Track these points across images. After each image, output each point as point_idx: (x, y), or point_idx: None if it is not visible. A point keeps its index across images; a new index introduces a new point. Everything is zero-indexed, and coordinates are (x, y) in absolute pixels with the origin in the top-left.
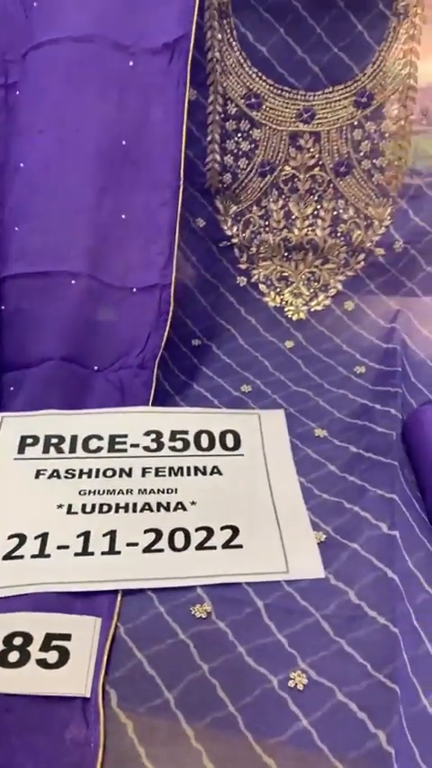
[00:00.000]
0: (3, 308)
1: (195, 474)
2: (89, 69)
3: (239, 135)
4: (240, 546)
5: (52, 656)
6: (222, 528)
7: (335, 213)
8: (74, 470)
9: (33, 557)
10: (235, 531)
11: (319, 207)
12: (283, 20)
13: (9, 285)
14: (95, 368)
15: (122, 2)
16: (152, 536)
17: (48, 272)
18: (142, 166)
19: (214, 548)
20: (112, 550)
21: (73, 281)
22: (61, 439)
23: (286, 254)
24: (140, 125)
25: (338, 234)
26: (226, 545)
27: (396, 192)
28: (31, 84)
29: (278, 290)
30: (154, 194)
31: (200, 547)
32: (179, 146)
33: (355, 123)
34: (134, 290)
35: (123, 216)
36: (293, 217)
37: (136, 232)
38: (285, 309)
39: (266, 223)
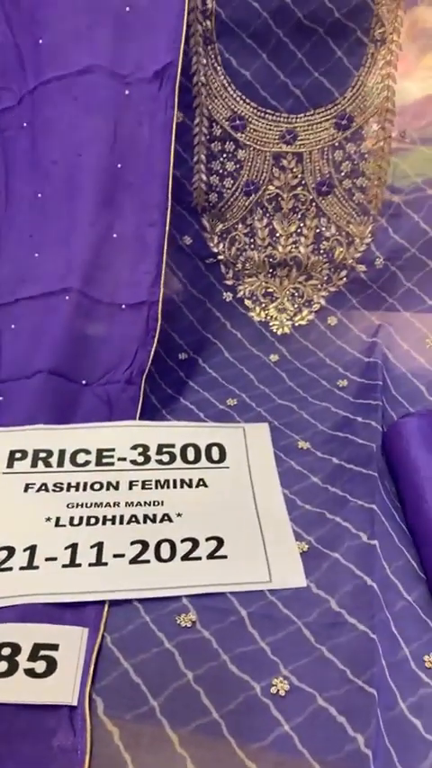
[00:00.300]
0: (13, 326)
1: (181, 486)
2: (91, 99)
3: (225, 156)
4: (225, 556)
5: (40, 666)
6: (207, 539)
7: (317, 231)
8: (62, 484)
9: (22, 568)
10: (220, 541)
11: (302, 225)
12: (266, 46)
13: (23, 306)
14: (83, 382)
15: (118, 34)
16: (138, 547)
17: (53, 291)
18: (134, 188)
19: (199, 558)
20: (99, 562)
21: (67, 297)
22: (50, 453)
23: (271, 270)
24: (134, 149)
25: (321, 251)
26: (211, 555)
27: (376, 211)
28: (44, 118)
29: (263, 305)
30: (144, 214)
31: (185, 557)
32: (167, 167)
33: (336, 144)
34: (123, 306)
35: (115, 235)
36: (277, 234)
37: (126, 250)
38: (270, 324)
39: (252, 240)
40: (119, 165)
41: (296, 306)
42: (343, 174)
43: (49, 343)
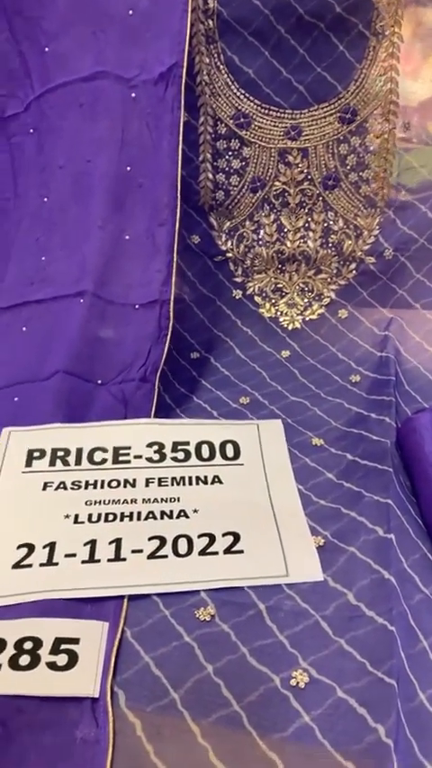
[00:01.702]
0: (24, 329)
1: (197, 483)
2: (98, 105)
3: (230, 153)
4: (242, 551)
5: (62, 659)
6: (224, 534)
7: (325, 225)
8: (80, 482)
9: (42, 565)
10: (236, 537)
11: (309, 219)
12: (268, 43)
13: (32, 309)
14: (99, 381)
15: (122, 38)
16: (156, 543)
17: (67, 294)
18: (144, 189)
19: (216, 553)
20: (117, 557)
21: (81, 300)
22: (67, 452)
23: (280, 266)
24: (142, 151)
25: (329, 244)
26: (227, 550)
27: (383, 203)
28: (50, 124)
29: (273, 301)
30: (154, 215)
31: (202, 552)
32: (175, 168)
33: (341, 138)
34: (136, 306)
35: (127, 236)
36: (285, 230)
37: (137, 251)
38: (281, 320)
39: (259, 237)
40: (128, 168)
41: (306, 300)
42: (349, 167)
43: (64, 345)
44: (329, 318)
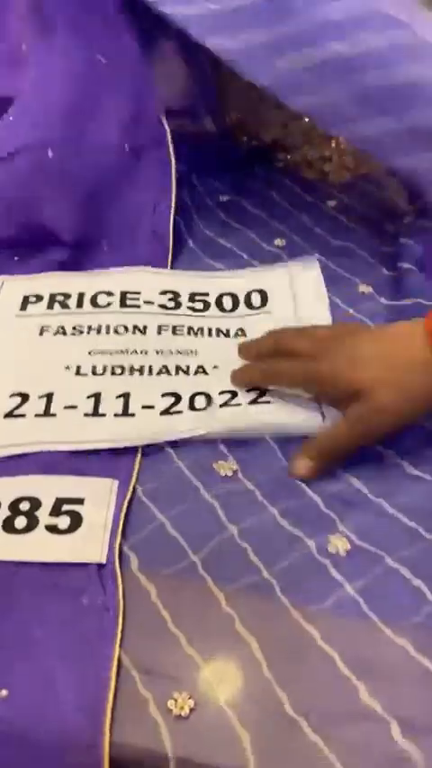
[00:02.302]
0: None
1: (218, 335)
2: None
3: None
4: (268, 402)
5: (63, 522)
6: (248, 390)
7: None
8: (82, 326)
9: (37, 416)
10: (262, 392)
11: None
12: None
13: None
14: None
15: None
16: (170, 399)
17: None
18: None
19: (239, 405)
20: (125, 413)
21: (51, 154)
22: (67, 296)
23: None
24: None
25: None
26: (253, 402)
27: None
28: None
29: (319, 165)
30: (141, 34)
31: (224, 406)
32: None
33: None
34: (126, 147)
35: (102, 59)
36: None
37: (118, 78)
38: (328, 177)
39: None
40: None
41: (357, 162)
42: None
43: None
44: (384, 172)
